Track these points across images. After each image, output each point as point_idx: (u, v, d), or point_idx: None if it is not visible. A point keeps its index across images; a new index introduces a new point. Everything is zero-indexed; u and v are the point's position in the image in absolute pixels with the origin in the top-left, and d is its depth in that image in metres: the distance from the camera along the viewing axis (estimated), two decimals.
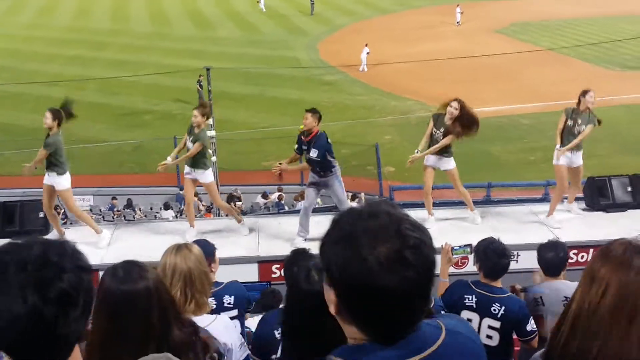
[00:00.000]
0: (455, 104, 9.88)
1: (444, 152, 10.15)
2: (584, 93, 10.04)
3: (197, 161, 10.18)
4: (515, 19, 54.86)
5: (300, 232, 10.17)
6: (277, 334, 4.27)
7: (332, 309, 1.72)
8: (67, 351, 1.73)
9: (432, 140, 10.12)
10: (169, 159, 10.44)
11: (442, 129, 9.99)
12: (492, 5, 60.21)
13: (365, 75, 38.94)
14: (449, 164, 10.28)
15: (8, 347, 1.65)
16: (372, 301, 1.64)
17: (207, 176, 10.34)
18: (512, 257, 5.84)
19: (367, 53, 39.90)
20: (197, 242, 5.42)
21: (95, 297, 2.91)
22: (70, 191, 10.22)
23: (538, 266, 6.07)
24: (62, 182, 10.01)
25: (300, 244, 9.58)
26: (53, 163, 9.89)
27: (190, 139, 10.11)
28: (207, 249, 5.24)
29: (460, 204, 11.31)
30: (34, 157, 9.92)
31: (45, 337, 1.61)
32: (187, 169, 10.33)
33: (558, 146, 10.23)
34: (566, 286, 5.76)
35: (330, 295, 1.72)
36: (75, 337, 1.71)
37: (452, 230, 10.32)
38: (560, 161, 10.25)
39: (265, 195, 22.26)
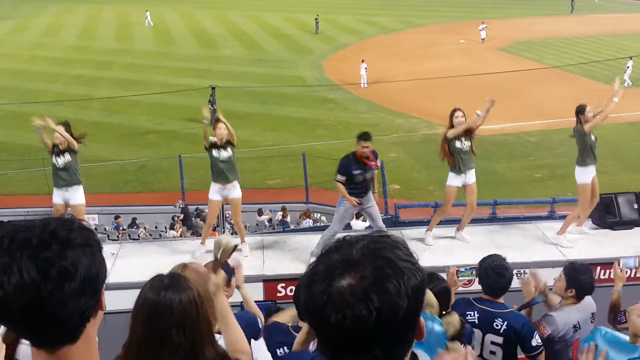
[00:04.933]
0: (458, 113, 10.15)
1: (470, 165, 10.15)
2: (582, 110, 9.95)
3: (235, 174, 10.11)
4: (520, 38, 55.10)
5: (316, 252, 9.77)
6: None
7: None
8: (70, 332, 1.67)
9: (462, 152, 10.06)
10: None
11: (463, 138, 10.05)
12: (497, 24, 60.39)
13: (370, 93, 38.99)
14: (474, 176, 10.31)
15: (8, 322, 1.65)
16: (326, 331, 1.52)
17: (239, 190, 10.25)
18: (512, 275, 5.78)
19: (365, 69, 40.03)
20: None
21: (134, 305, 2.89)
22: (84, 206, 10.24)
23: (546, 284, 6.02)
24: (80, 195, 10.04)
25: None
26: (73, 175, 9.89)
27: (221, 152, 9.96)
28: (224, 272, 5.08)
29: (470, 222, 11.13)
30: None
31: (42, 313, 1.58)
32: (218, 189, 10.13)
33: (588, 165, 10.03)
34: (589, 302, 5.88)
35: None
36: (75, 316, 1.63)
37: (457, 249, 10.26)
38: (587, 179, 10.08)
39: (260, 212, 22.18)
